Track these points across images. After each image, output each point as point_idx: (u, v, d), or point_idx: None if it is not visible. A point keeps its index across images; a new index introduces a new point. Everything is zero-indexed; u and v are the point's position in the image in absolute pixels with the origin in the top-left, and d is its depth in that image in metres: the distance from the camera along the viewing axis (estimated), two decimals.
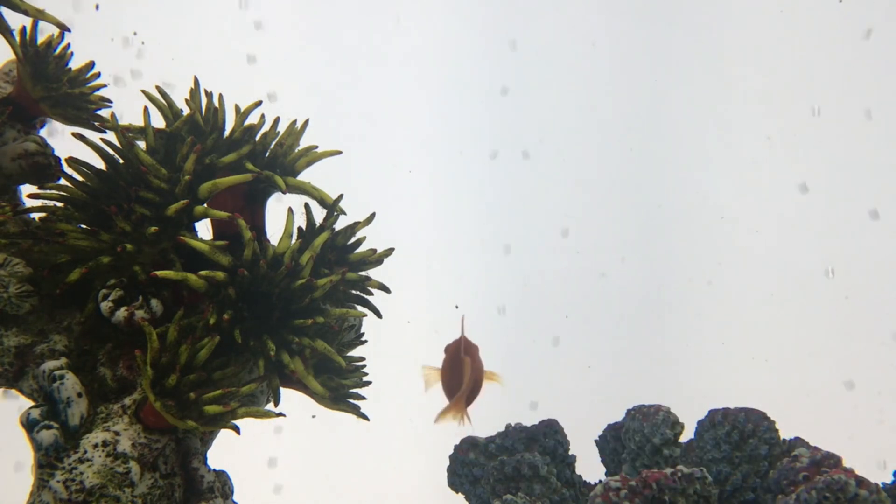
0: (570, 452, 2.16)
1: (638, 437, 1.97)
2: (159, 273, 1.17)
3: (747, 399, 1.99)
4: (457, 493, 2.19)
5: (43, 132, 1.43)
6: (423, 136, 3.93)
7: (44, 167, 1.34)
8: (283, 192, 1.32)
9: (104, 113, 1.41)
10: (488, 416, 2.39)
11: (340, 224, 1.36)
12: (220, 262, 1.20)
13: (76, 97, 1.38)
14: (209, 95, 1.35)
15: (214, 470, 1.29)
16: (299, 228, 1.32)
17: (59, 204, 1.26)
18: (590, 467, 2.17)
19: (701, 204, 3.77)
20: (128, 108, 1.34)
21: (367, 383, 1.33)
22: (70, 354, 1.23)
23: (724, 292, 3.58)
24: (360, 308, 1.35)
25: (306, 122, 1.39)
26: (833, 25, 3.60)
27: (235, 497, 1.31)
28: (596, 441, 2.19)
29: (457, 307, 3.48)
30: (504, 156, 3.98)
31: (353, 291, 1.35)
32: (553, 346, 3.70)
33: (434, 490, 2.26)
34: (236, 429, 1.17)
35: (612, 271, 3.78)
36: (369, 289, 1.37)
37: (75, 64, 1.40)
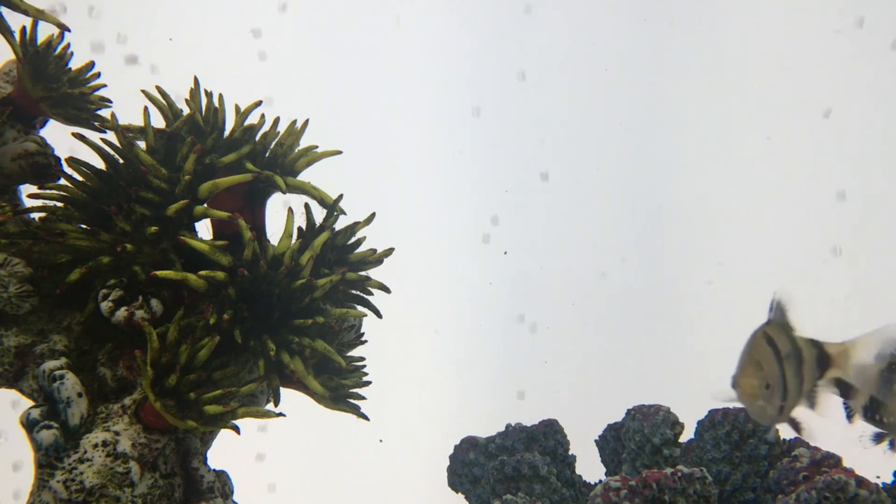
0: (570, 452, 2.16)
1: (638, 437, 1.97)
2: (159, 273, 1.18)
3: None
4: (457, 493, 2.19)
5: (43, 132, 1.43)
6: (422, 135, 3.93)
7: (44, 167, 1.34)
8: (283, 192, 1.32)
9: (104, 113, 1.41)
10: (488, 416, 2.39)
11: (340, 224, 1.36)
12: (220, 261, 1.20)
13: (76, 97, 1.38)
14: (209, 95, 1.35)
15: (214, 470, 1.29)
16: (299, 228, 1.32)
17: (59, 204, 1.26)
18: (590, 467, 2.17)
19: (701, 204, 3.77)
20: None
21: (367, 383, 1.33)
22: (70, 354, 1.23)
23: (724, 292, 3.58)
24: (360, 308, 1.35)
25: (306, 122, 1.39)
26: (833, 25, 3.60)
27: (234, 497, 1.31)
28: (596, 441, 2.19)
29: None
30: (504, 156, 3.98)
31: (353, 291, 1.35)
32: (553, 346, 3.70)
33: (434, 490, 2.26)
34: (236, 429, 1.17)
35: (612, 271, 3.78)
36: (369, 289, 1.37)
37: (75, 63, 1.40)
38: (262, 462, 3.06)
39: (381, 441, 2.94)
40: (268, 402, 1.39)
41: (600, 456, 2.18)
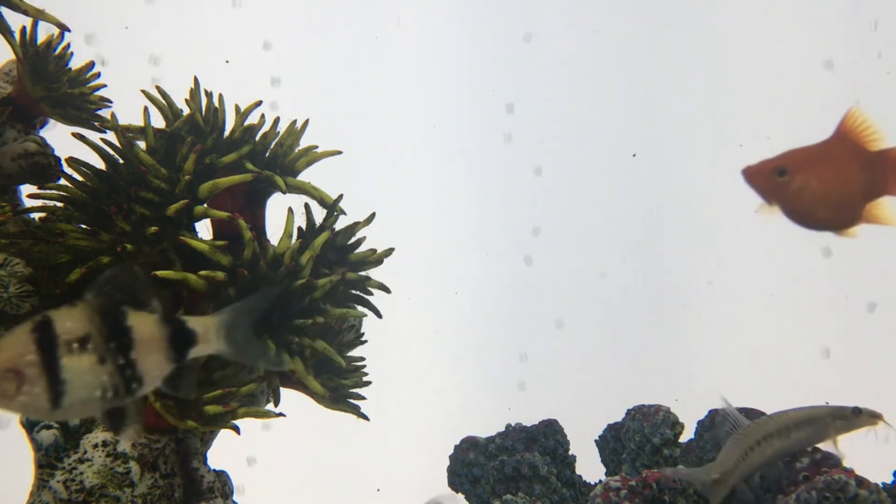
0: (570, 452, 2.16)
1: (638, 437, 1.97)
2: (159, 273, 1.17)
3: (747, 399, 1.99)
4: (457, 493, 2.19)
5: (43, 132, 1.43)
6: (423, 135, 3.93)
7: (44, 167, 1.34)
8: (283, 192, 1.32)
9: (104, 113, 1.41)
10: (488, 416, 2.39)
11: (340, 224, 1.36)
12: (220, 262, 1.20)
13: (76, 97, 1.38)
14: (209, 95, 1.35)
15: (214, 470, 1.29)
16: (299, 228, 1.32)
17: (59, 204, 1.26)
18: (590, 467, 2.17)
19: (701, 204, 3.77)
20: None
21: (367, 383, 1.33)
22: None
23: (724, 292, 3.58)
24: (360, 308, 1.35)
25: (306, 122, 1.39)
26: (834, 25, 3.60)
27: (234, 497, 1.31)
28: (596, 441, 2.19)
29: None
30: (504, 156, 3.98)
31: (353, 291, 1.35)
32: (552, 346, 3.70)
33: (434, 490, 2.26)
34: (236, 429, 1.18)
35: (612, 271, 3.78)
36: (369, 289, 1.37)
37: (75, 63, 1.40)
38: (260, 462, 3.06)
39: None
40: (268, 402, 1.39)
41: (600, 456, 2.18)
